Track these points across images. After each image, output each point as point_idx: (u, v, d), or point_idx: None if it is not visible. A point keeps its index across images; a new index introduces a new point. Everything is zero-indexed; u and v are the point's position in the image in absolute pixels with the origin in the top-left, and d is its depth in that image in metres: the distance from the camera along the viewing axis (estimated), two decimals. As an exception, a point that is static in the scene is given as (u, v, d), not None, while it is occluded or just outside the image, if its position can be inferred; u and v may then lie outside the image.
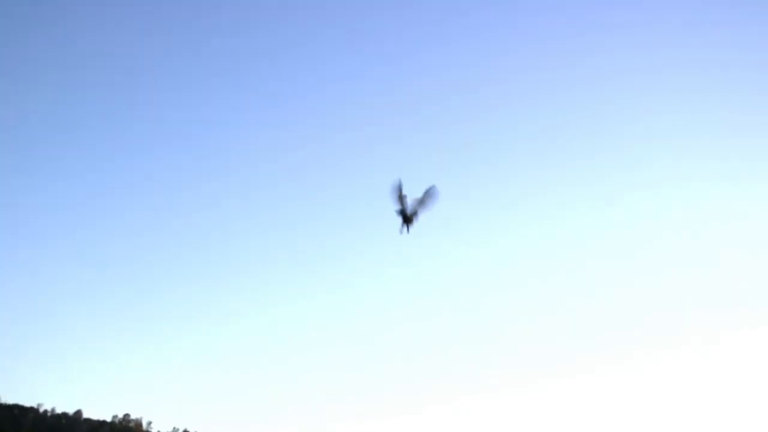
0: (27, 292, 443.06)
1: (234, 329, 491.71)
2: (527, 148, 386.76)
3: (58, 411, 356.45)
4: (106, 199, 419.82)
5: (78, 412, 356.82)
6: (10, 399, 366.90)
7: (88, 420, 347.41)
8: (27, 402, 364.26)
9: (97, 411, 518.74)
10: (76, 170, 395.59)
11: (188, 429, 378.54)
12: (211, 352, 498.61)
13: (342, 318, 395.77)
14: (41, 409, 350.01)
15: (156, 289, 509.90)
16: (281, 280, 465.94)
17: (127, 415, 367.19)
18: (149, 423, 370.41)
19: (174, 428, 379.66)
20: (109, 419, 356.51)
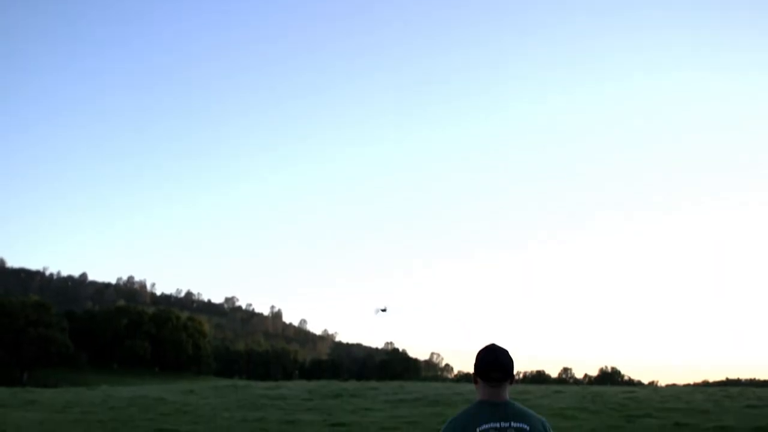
0: (30, 156, 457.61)
1: (234, 193, 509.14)
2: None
3: (64, 274, 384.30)
4: (113, 64, 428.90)
5: (83, 275, 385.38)
6: (16, 263, 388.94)
7: (93, 282, 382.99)
8: (33, 266, 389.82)
9: (102, 274, 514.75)
10: (81, 32, 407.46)
11: (191, 290, 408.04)
12: (211, 215, 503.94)
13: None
14: (47, 273, 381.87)
15: (160, 153, 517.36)
16: (284, 144, 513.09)
17: (131, 278, 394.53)
18: (153, 285, 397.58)
19: (177, 290, 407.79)
20: (113, 281, 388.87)
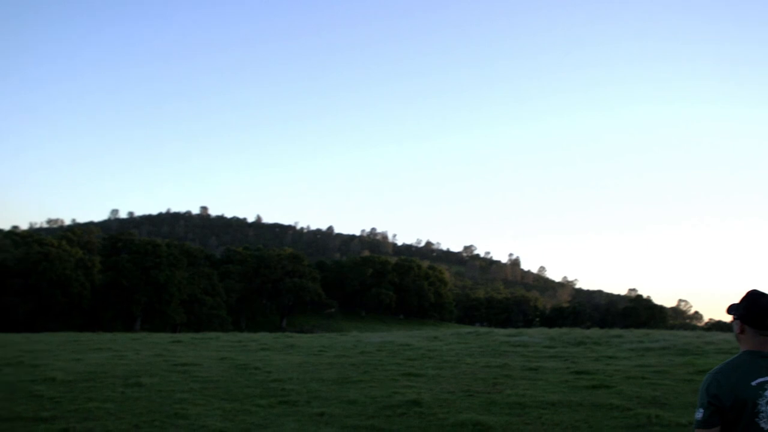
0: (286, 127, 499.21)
1: (473, 143, 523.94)
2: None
3: (313, 228, 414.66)
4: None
5: (330, 228, 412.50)
6: (271, 219, 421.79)
7: (339, 235, 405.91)
8: (286, 221, 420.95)
9: (347, 226, 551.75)
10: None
11: (430, 240, 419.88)
12: (447, 166, 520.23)
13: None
14: (298, 227, 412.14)
15: (401, 109, 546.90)
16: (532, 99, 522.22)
17: (373, 229, 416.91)
18: (394, 236, 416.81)
19: (417, 239, 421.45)
20: (358, 233, 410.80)
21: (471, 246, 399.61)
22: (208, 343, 32.82)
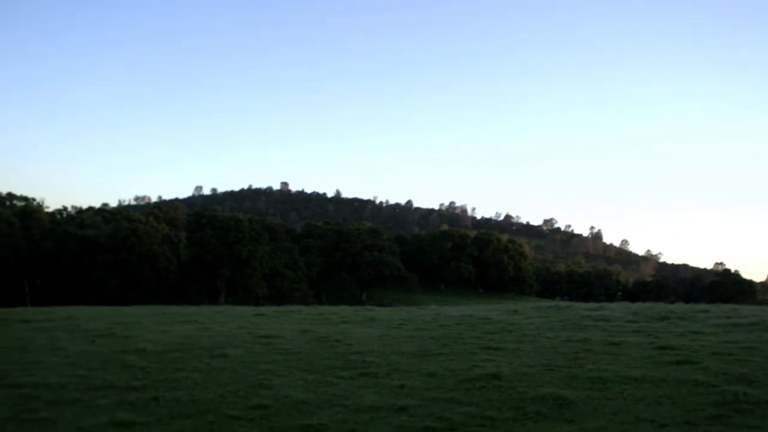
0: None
1: (552, 119, 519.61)
2: None
3: (392, 202, 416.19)
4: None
5: (409, 202, 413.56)
6: (350, 194, 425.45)
7: (418, 209, 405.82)
8: (365, 196, 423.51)
9: (425, 200, 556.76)
10: None
11: (509, 213, 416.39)
12: (524, 139, 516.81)
13: None
14: (377, 201, 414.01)
15: (472, 86, 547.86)
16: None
17: (452, 203, 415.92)
18: (473, 209, 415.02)
19: (496, 213, 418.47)
20: (436, 207, 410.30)
21: (551, 219, 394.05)
22: (290, 316, 33.38)
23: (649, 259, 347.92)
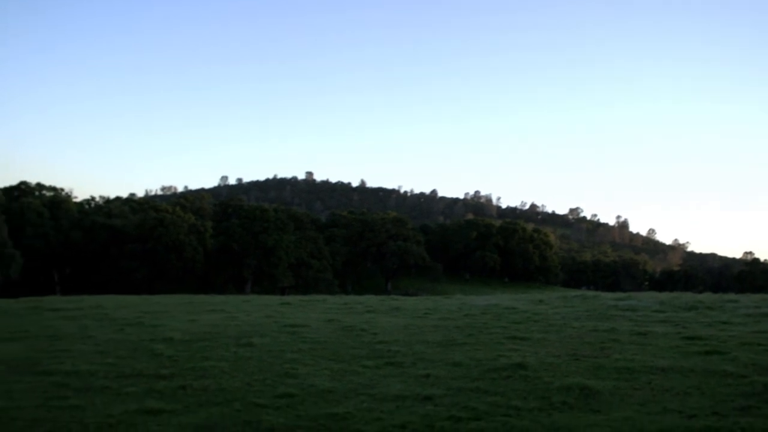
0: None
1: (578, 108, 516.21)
2: None
3: (417, 191, 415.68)
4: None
5: (434, 192, 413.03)
6: (374, 183, 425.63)
7: (443, 198, 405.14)
8: (389, 185, 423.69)
9: (450, 190, 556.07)
10: None
11: (535, 202, 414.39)
12: (550, 129, 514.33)
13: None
14: (401, 191, 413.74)
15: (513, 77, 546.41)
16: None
17: (477, 192, 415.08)
18: (498, 198, 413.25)
19: (521, 202, 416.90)
20: (461, 197, 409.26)
21: (577, 208, 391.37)
22: (315, 305, 33.54)
23: (677, 248, 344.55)
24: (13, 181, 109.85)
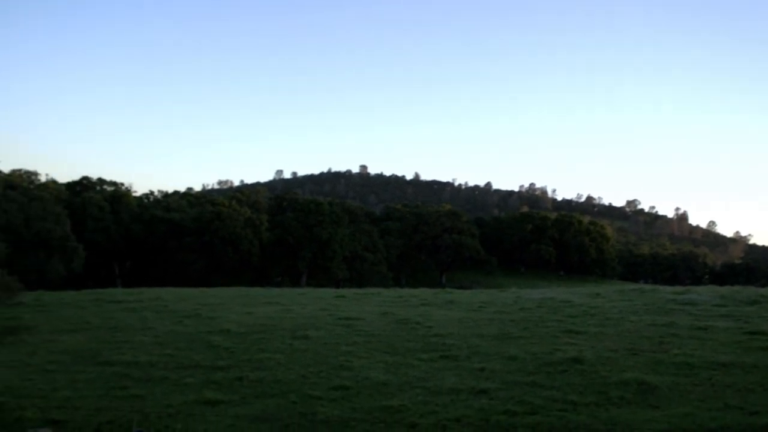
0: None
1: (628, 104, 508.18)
2: None
3: (471, 184, 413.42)
4: None
5: (488, 185, 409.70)
6: (428, 176, 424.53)
7: (497, 191, 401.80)
8: (443, 178, 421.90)
9: (505, 182, 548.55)
10: None
11: (591, 194, 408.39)
12: (603, 121, 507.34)
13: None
14: (456, 183, 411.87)
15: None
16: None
17: (532, 185, 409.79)
18: (553, 191, 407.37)
19: (577, 194, 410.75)
20: (516, 189, 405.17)
21: (634, 200, 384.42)
22: (370, 298, 33.68)
23: (738, 241, 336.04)
24: (75, 176, 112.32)
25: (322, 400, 12.32)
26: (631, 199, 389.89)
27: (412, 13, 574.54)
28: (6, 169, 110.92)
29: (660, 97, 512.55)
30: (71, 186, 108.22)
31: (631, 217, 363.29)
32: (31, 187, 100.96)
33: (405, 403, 12.00)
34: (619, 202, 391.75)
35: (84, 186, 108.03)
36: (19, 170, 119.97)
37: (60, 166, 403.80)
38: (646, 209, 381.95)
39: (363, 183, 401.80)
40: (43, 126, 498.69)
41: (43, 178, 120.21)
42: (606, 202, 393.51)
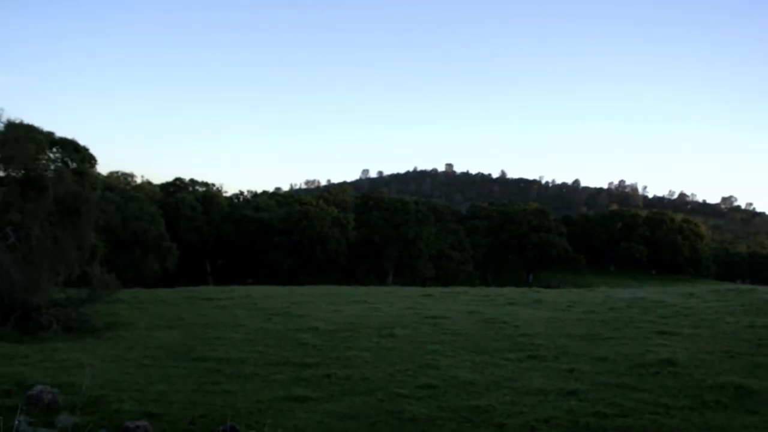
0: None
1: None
2: None
3: (558, 182, 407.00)
4: None
5: (576, 182, 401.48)
6: (515, 174, 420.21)
7: (586, 188, 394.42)
8: (530, 176, 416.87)
9: (593, 179, 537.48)
10: None
11: (684, 191, 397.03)
12: (706, 115, 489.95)
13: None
14: (543, 181, 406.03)
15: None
16: None
17: (622, 182, 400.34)
18: (644, 188, 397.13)
19: (669, 191, 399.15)
20: (605, 186, 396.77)
21: (730, 197, 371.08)
22: (456, 297, 33.61)
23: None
24: (169, 178, 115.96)
25: (409, 399, 12.37)
26: (726, 195, 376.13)
27: (500, 12, 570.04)
28: (104, 171, 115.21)
29: (752, 90, 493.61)
30: (165, 187, 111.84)
31: (727, 214, 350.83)
32: (128, 188, 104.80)
33: (492, 402, 11.94)
34: (713, 199, 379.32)
35: (177, 187, 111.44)
36: (117, 172, 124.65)
37: (155, 168, 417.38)
38: (743, 206, 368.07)
39: (449, 181, 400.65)
40: (139, 128, 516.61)
41: (138, 180, 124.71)
42: (700, 199, 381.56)
